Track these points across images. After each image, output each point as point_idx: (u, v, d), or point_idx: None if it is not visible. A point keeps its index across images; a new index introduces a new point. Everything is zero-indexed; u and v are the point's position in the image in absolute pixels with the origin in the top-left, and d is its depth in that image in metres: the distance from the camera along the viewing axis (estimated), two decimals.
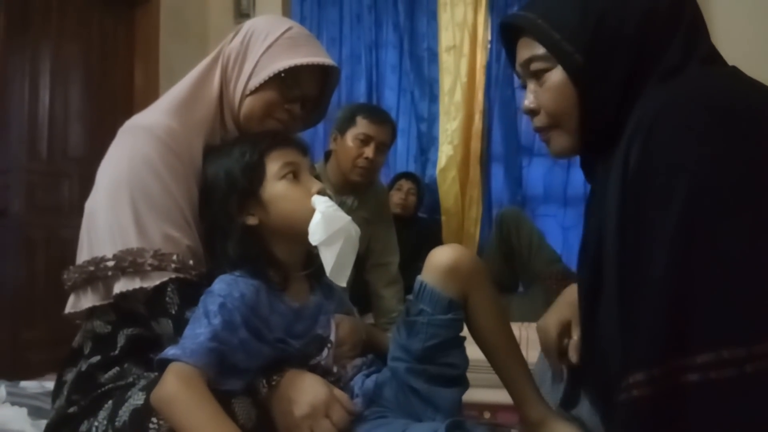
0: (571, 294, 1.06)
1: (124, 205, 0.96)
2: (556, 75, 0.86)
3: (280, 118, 1.13)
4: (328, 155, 2.19)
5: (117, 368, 0.96)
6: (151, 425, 0.86)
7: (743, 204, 0.68)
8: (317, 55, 1.11)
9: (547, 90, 0.88)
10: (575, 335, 1.02)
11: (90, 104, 3.00)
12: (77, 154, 2.91)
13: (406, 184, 2.97)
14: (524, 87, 0.94)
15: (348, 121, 2.10)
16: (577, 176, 3.08)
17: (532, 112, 0.92)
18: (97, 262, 0.96)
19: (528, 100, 0.92)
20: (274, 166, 1.03)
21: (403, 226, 2.51)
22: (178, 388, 0.82)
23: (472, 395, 1.08)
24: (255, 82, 1.09)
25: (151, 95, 2.97)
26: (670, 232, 0.68)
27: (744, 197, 0.68)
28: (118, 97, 3.12)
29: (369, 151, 2.06)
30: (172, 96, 1.10)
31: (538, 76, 0.89)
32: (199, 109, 1.09)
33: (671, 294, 0.68)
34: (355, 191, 2.13)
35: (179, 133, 1.03)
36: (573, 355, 1.01)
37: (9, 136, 2.65)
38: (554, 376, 1.08)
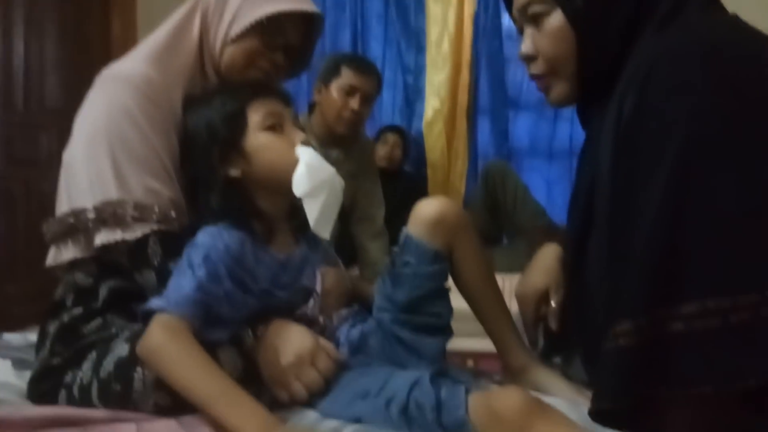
0: (546, 258, 1.07)
1: (103, 155, 0.94)
2: (555, 19, 0.85)
3: (262, 67, 1.10)
4: (312, 107, 2.16)
5: (100, 320, 0.95)
6: (136, 375, 0.86)
7: (738, 154, 0.67)
8: (300, 2, 1.08)
9: (545, 35, 0.86)
10: (554, 302, 1.03)
11: (66, 54, 2.91)
12: (54, 105, 2.84)
13: (391, 138, 2.95)
14: (521, 32, 0.92)
15: (332, 72, 2.06)
16: (563, 130, 3.08)
17: (529, 58, 0.90)
18: (77, 213, 0.95)
19: (525, 45, 0.90)
20: (256, 116, 1.01)
21: (388, 179, 2.49)
22: (165, 338, 0.82)
23: (455, 344, 1.10)
24: (236, 30, 1.06)
25: (129, 44, 2.87)
26: (662, 181, 0.68)
27: (739, 147, 0.67)
28: (94, 46, 3.03)
29: (354, 103, 2.03)
30: (151, 44, 1.07)
31: (536, 20, 0.87)
32: (179, 57, 1.06)
33: (660, 244, 0.68)
34: (341, 144, 2.10)
35: (158, 83, 1.01)
36: (552, 323, 1.03)
37: None
38: (529, 344, 1.10)
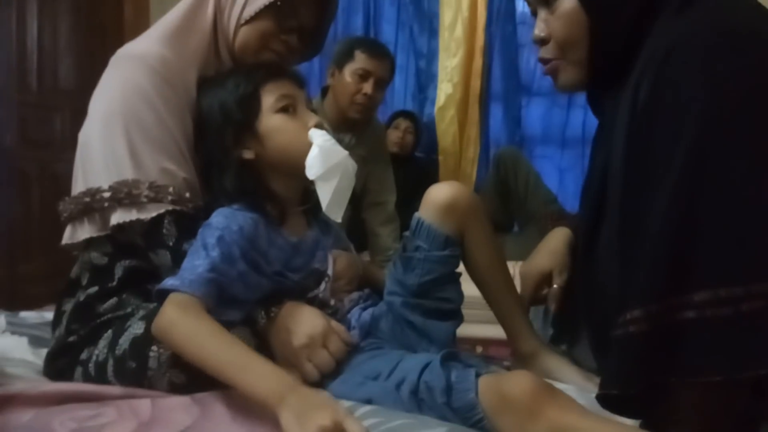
0: (554, 240, 1.08)
1: (118, 135, 0.95)
2: (568, 2, 0.84)
3: (276, 49, 1.10)
4: (325, 91, 2.15)
5: (115, 299, 0.97)
6: (151, 353, 0.87)
7: (754, 144, 0.67)
8: None
9: (558, 18, 0.86)
10: (556, 284, 1.05)
11: (79, 36, 2.92)
12: (68, 87, 2.86)
13: (403, 123, 2.93)
14: (534, 15, 0.91)
15: (346, 56, 2.05)
16: (576, 117, 3.04)
17: (542, 41, 0.90)
18: (93, 193, 0.96)
19: (538, 28, 0.89)
20: (269, 98, 1.01)
21: (399, 165, 2.49)
22: (177, 315, 0.82)
23: (465, 330, 1.10)
24: (250, 11, 1.06)
25: (141, 26, 2.86)
26: (676, 169, 0.68)
27: (755, 136, 0.67)
28: (107, 28, 3.03)
29: (368, 87, 2.02)
30: (165, 24, 1.07)
31: (549, 3, 0.87)
32: (193, 38, 1.06)
33: (673, 231, 0.67)
34: (353, 129, 2.10)
35: (173, 63, 1.01)
36: (552, 304, 1.05)
37: None
38: None
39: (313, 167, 0.96)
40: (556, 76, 0.91)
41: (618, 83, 0.82)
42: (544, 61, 0.92)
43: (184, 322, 0.82)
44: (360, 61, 2.03)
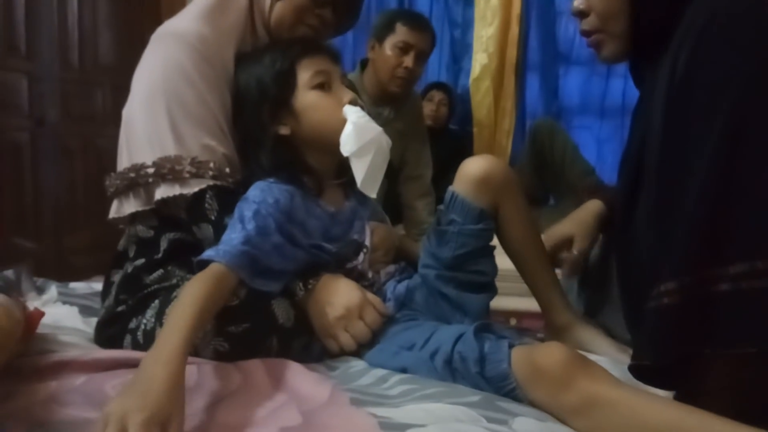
0: (582, 211, 1.12)
1: (161, 113, 0.98)
2: None
3: (310, 23, 1.11)
4: (364, 64, 2.13)
5: (161, 270, 1.00)
6: None
7: None
8: None
9: None
10: (576, 250, 1.08)
11: (118, 12, 2.96)
12: (108, 63, 2.91)
13: (437, 95, 2.90)
14: None
15: (387, 28, 2.02)
16: (616, 86, 2.97)
17: (582, 14, 0.89)
18: (138, 169, 0.99)
19: (578, 0, 0.88)
20: (305, 74, 1.02)
21: (433, 138, 2.47)
22: (188, 284, 0.82)
23: (499, 303, 1.11)
24: None
25: (177, 1, 2.90)
26: (713, 140, 0.67)
27: None
28: (144, 2, 3.06)
29: (408, 61, 1.99)
30: (202, 1, 1.08)
31: None
32: (230, 14, 1.08)
33: (709, 203, 0.67)
34: (392, 102, 2.08)
35: (211, 40, 1.03)
36: (566, 269, 1.10)
37: (40, 45, 2.65)
38: None
39: (347, 144, 0.97)
40: (600, 49, 0.90)
41: (658, 55, 0.80)
42: (585, 34, 0.91)
43: (184, 288, 0.81)
44: (401, 33, 2.00)
